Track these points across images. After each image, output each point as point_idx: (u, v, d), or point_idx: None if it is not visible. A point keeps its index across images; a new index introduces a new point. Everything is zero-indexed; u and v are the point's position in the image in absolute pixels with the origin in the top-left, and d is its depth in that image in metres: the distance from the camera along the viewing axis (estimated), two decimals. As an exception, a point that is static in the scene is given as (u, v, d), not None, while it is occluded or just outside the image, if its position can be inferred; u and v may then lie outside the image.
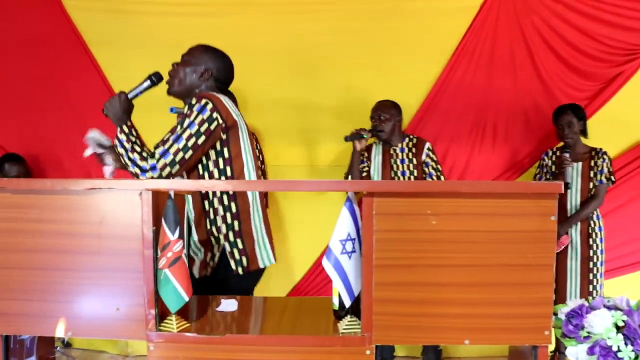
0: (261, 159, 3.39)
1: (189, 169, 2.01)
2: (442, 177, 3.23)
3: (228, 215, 2.06)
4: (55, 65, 3.49)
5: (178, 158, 1.92)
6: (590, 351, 1.64)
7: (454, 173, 3.52)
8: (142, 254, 1.58)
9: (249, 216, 2.09)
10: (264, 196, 3.36)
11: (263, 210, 2.18)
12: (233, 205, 2.06)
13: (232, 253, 2.07)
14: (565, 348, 1.72)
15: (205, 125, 1.96)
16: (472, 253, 1.55)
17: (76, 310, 1.62)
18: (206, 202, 2.06)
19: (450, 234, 1.55)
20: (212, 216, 2.06)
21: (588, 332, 1.66)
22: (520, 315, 1.55)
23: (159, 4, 3.35)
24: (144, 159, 1.92)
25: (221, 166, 2.04)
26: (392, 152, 3.27)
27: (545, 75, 3.39)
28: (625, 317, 1.63)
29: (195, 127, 1.94)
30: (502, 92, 3.42)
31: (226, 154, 2.04)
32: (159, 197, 1.62)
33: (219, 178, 2.04)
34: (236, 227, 2.07)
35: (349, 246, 1.56)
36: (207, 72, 2.14)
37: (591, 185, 3.14)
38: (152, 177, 1.90)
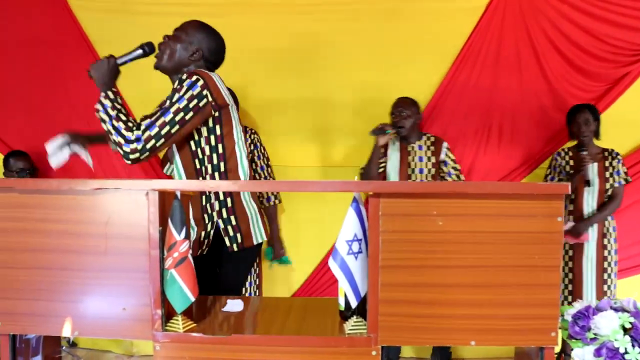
0: (266, 156, 3.40)
1: (174, 143, 1.99)
2: (461, 177, 3.23)
3: (221, 193, 2.07)
4: (60, 64, 3.51)
5: (164, 131, 1.89)
6: (597, 353, 1.63)
7: (459, 173, 3.51)
8: (148, 254, 1.58)
9: (240, 193, 2.10)
10: (268, 196, 3.39)
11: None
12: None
13: (226, 230, 2.08)
14: (572, 349, 1.71)
15: (195, 102, 1.93)
16: (478, 254, 1.55)
17: (82, 310, 1.63)
18: (200, 179, 2.06)
19: (456, 234, 1.54)
20: (206, 192, 2.07)
21: (595, 334, 1.66)
22: (527, 316, 1.55)
23: (163, 4, 3.36)
24: (129, 129, 1.87)
25: (213, 143, 2.03)
26: (409, 149, 3.25)
27: (551, 75, 3.38)
28: (632, 319, 1.63)
29: (184, 102, 1.91)
30: (508, 92, 3.42)
31: (218, 131, 2.03)
32: (165, 198, 1.62)
33: (210, 155, 2.03)
34: (229, 204, 2.07)
35: (355, 247, 1.55)
36: (199, 51, 2.10)
37: (607, 185, 3.15)
38: (136, 149, 1.86)
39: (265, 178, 3.35)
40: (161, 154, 3.24)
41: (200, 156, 2.04)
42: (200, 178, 2.05)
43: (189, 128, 1.96)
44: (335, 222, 2.92)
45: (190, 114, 1.93)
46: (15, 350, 1.69)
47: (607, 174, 3.17)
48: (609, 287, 3.14)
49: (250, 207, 2.14)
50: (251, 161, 3.32)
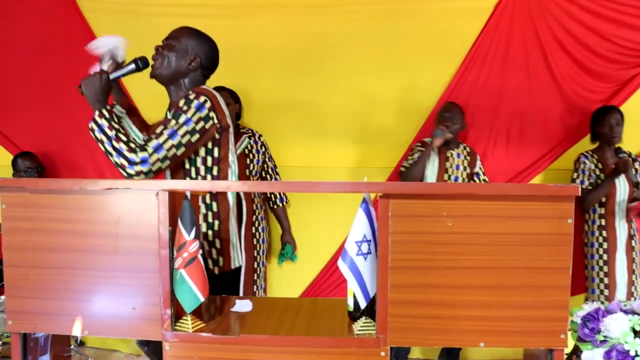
0: (272, 157, 3.42)
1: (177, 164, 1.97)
2: None
3: (210, 214, 2.03)
4: (69, 65, 3.52)
5: (170, 154, 1.87)
6: (607, 355, 1.63)
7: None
8: (158, 254, 1.59)
9: (228, 217, 2.07)
10: (281, 197, 3.41)
11: (238, 217, 2.14)
12: (214, 205, 2.03)
13: (209, 252, 2.05)
14: (581, 352, 1.71)
15: (201, 124, 1.92)
16: (487, 255, 1.54)
17: (92, 309, 1.64)
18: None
19: (465, 236, 1.54)
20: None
21: (604, 336, 1.65)
22: (536, 318, 1.55)
23: (170, 5, 3.38)
24: (131, 150, 1.82)
25: (209, 164, 2.00)
26: (448, 154, 3.22)
27: (559, 77, 3.36)
28: (642, 321, 1.62)
29: (192, 125, 1.89)
30: (516, 93, 3.41)
31: (216, 154, 2.00)
32: (175, 198, 1.63)
33: (205, 176, 2.00)
34: (216, 227, 2.04)
35: (364, 247, 1.55)
36: (196, 59, 2.05)
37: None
38: (141, 171, 1.82)
39: (275, 179, 3.38)
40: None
41: (194, 175, 2.00)
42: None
43: (193, 149, 1.95)
44: (340, 222, 2.94)
45: (197, 136, 1.91)
46: (26, 349, 1.70)
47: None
48: (636, 289, 3.13)
49: (234, 233, 2.12)
50: (263, 162, 3.35)
